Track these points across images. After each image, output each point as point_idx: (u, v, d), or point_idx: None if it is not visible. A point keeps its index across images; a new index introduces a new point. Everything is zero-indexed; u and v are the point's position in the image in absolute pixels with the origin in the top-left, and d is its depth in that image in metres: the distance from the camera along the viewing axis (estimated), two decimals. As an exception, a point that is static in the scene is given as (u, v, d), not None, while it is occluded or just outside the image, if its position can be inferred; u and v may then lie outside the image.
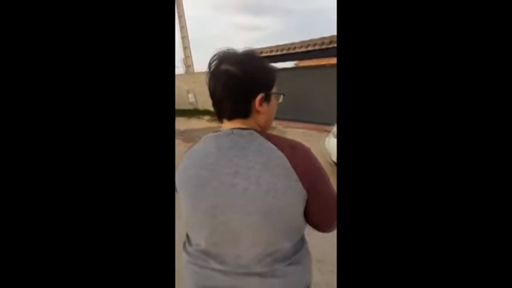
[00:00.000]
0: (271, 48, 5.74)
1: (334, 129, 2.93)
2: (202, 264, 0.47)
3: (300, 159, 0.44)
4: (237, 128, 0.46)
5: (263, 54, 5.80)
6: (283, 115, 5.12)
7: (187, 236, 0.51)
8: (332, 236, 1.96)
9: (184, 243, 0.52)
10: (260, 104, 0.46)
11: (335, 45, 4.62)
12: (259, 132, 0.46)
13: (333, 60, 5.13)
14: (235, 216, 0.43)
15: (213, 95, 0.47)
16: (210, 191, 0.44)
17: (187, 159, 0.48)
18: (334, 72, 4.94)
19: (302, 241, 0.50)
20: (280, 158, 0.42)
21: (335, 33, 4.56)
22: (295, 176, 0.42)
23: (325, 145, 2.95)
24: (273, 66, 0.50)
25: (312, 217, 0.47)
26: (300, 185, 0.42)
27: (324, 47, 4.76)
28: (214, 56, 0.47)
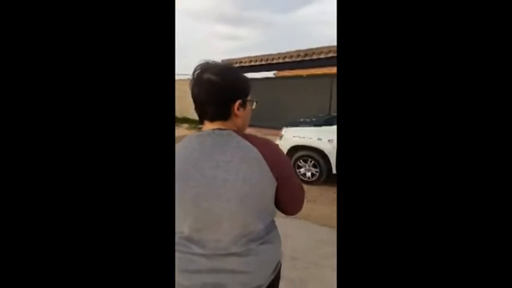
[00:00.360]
0: (250, 59, 5.93)
1: (282, 132, 3.13)
2: (184, 250, 0.52)
3: (271, 153, 0.51)
4: (217, 129, 0.53)
5: (243, 64, 5.97)
6: (262, 122, 5.27)
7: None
8: (306, 235, 2.06)
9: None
10: (238, 109, 0.53)
11: (309, 57, 4.94)
12: (236, 132, 0.53)
13: (308, 71, 5.46)
14: (217, 202, 0.49)
15: (196, 99, 0.53)
16: (194, 183, 0.50)
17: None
18: (309, 82, 5.30)
19: (273, 224, 0.58)
20: (254, 152, 0.50)
21: (310, 46, 4.97)
22: (267, 168, 0.50)
23: None
24: (247, 77, 0.57)
25: (281, 202, 0.55)
26: (270, 174, 0.50)
27: (299, 59, 5.07)
28: (197, 66, 0.54)
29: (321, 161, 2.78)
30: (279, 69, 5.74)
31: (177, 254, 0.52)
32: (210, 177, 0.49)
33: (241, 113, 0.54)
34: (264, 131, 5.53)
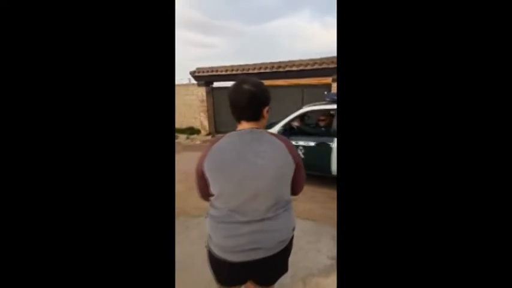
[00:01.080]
0: (226, 68, 6.16)
1: None
2: (229, 220, 0.70)
3: (290, 146, 0.72)
4: (254, 128, 0.71)
5: (219, 73, 6.15)
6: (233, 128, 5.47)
7: (213, 205, 0.74)
8: None
9: (208, 213, 0.76)
10: (266, 112, 0.73)
11: (283, 69, 5.39)
12: (265, 131, 0.72)
13: (281, 82, 5.90)
14: (258, 182, 0.66)
15: (236, 104, 0.70)
16: (241, 168, 0.66)
17: (217, 150, 0.69)
18: (281, 91, 5.74)
19: (290, 197, 0.79)
20: (281, 145, 0.70)
21: (280, 58, 5.36)
22: (290, 157, 0.70)
23: None
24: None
25: (294, 182, 0.76)
26: (292, 161, 0.70)
27: (274, 70, 5.48)
28: (238, 79, 0.72)
29: None
30: (262, 79, 6.06)
31: (223, 225, 0.70)
32: (252, 163, 0.66)
33: (266, 116, 0.74)
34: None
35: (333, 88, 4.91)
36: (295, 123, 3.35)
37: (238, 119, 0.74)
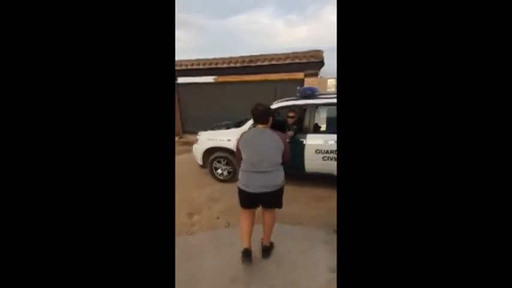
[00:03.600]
0: (192, 62, 5.64)
1: (197, 136, 3.30)
2: (249, 170, 1.52)
3: (282, 137, 1.55)
4: (263, 127, 1.56)
5: (184, 67, 5.60)
6: (205, 128, 5.07)
7: (242, 164, 1.57)
8: (279, 232, 2.04)
9: (240, 169, 1.60)
10: (272, 120, 1.62)
11: (254, 63, 5.13)
12: (269, 129, 1.56)
13: (253, 78, 5.64)
14: (265, 153, 1.50)
15: (256, 115, 1.54)
16: (255, 148, 1.51)
17: (246, 136, 1.56)
18: (253, 87, 5.52)
19: (280, 162, 1.57)
20: (276, 136, 1.52)
21: (245, 53, 5.13)
22: (281, 142, 1.52)
23: (193, 152, 3.33)
24: (271, 108, 1.97)
25: (283, 156, 1.55)
26: (282, 144, 1.53)
27: (244, 64, 5.18)
28: (255, 104, 1.57)
29: (233, 160, 3.00)
30: (221, 74, 5.69)
31: (245, 174, 1.54)
32: (261, 145, 1.50)
33: (270, 121, 1.59)
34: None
35: (305, 83, 4.84)
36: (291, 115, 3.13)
37: (256, 123, 1.57)
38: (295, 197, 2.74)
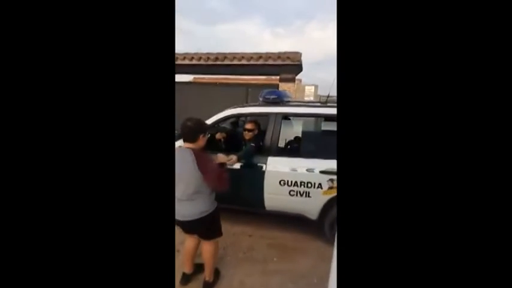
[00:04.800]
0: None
1: None
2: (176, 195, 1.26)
3: (201, 160, 1.22)
4: (188, 147, 1.26)
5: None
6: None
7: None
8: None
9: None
10: (203, 139, 1.30)
11: (221, 62, 4.29)
12: (187, 149, 1.24)
13: (221, 79, 4.79)
14: (179, 179, 1.19)
15: (182, 132, 1.26)
16: (177, 172, 1.06)
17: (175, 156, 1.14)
18: (222, 90, 4.68)
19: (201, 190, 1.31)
20: (190, 161, 1.21)
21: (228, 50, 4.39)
22: (194, 168, 1.20)
23: None
24: (205, 123, 1.37)
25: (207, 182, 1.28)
26: (196, 171, 1.21)
27: (209, 62, 4.32)
28: (185, 119, 1.26)
29: None
30: (181, 72, 4.77)
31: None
32: (177, 170, 1.09)
33: (202, 140, 1.30)
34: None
35: (280, 89, 4.07)
36: (218, 135, 2.25)
37: (184, 141, 1.29)
38: (249, 247, 1.86)
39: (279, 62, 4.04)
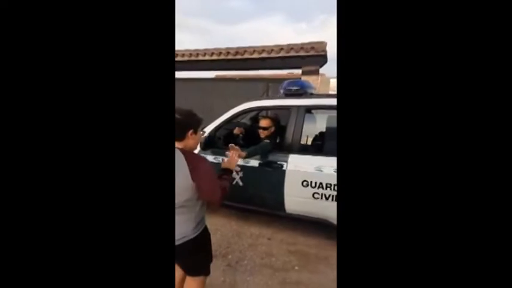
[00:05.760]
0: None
1: None
2: None
3: (193, 162, 0.85)
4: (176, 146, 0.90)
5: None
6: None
7: None
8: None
9: None
10: (193, 135, 0.92)
11: (241, 56, 4.16)
12: (181, 150, 0.87)
13: (241, 74, 4.67)
14: None
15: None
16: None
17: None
18: (240, 86, 4.58)
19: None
20: (181, 160, 0.83)
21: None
22: (185, 171, 0.83)
23: None
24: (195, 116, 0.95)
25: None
26: (187, 174, 0.84)
27: (229, 57, 4.22)
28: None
29: None
30: (202, 69, 4.72)
31: None
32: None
33: (191, 137, 0.92)
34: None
35: (303, 82, 3.82)
36: (237, 130, 2.12)
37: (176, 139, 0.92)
38: (267, 252, 1.71)
39: (302, 53, 3.79)
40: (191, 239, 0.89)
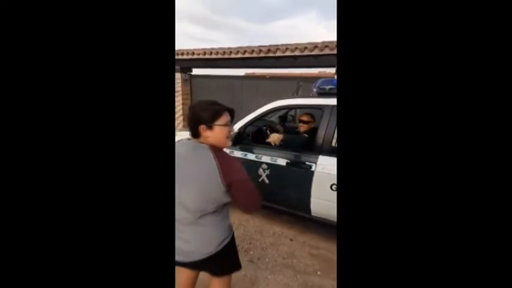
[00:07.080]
0: (205, 51, 4.91)
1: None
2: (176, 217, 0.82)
3: (225, 163, 0.76)
4: (194, 142, 0.81)
5: (195, 56, 4.91)
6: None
7: None
8: None
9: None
10: (207, 131, 0.79)
11: (273, 54, 4.14)
12: (205, 145, 0.79)
13: (273, 72, 4.65)
14: (187, 188, 0.76)
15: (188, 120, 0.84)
16: (179, 176, 0.76)
17: (176, 152, 0.78)
18: (270, 84, 4.55)
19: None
20: (210, 159, 0.75)
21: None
22: (216, 172, 0.74)
23: None
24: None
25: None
26: (218, 176, 0.75)
27: (261, 55, 4.23)
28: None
29: None
30: (234, 66, 4.81)
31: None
32: (183, 172, 0.77)
33: (206, 134, 0.80)
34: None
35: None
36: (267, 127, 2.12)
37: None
38: (289, 253, 1.69)
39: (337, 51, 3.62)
40: (226, 245, 0.84)
